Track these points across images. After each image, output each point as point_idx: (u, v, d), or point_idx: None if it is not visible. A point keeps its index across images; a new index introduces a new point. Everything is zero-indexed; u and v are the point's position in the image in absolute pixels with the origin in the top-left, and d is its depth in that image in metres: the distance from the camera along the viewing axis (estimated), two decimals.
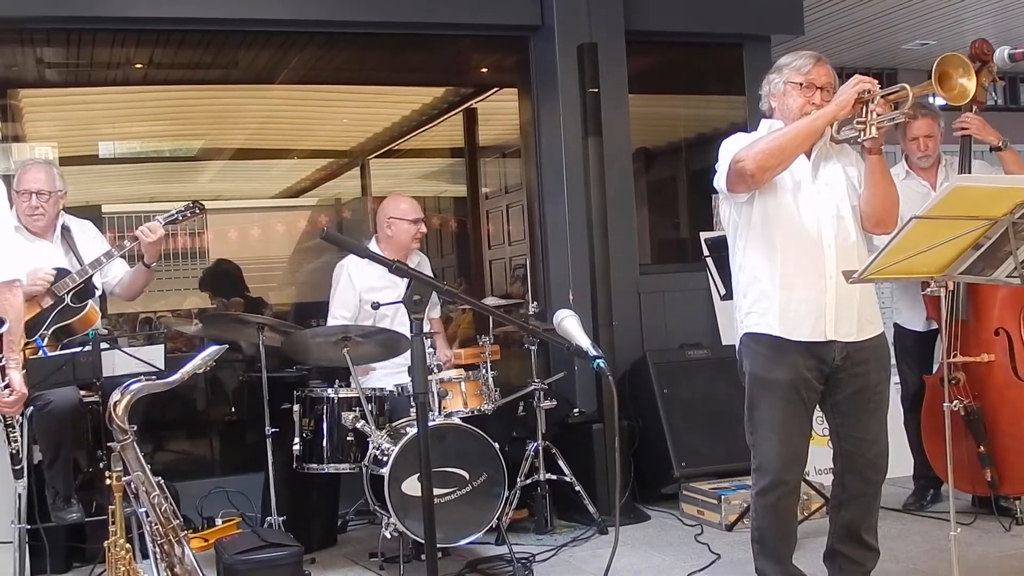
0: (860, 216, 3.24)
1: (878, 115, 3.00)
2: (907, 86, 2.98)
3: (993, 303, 4.32)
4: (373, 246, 4.73)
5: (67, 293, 4.07)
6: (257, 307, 6.46)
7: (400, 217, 4.70)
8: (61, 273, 4.12)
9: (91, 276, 4.16)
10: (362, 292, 4.60)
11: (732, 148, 3.21)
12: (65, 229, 4.31)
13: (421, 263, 4.85)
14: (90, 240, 4.38)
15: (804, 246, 3.17)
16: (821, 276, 3.16)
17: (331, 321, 4.66)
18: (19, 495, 3.72)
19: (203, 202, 4.50)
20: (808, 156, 3.23)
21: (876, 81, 3.06)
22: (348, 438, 4.24)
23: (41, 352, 3.86)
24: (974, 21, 6.97)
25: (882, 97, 3.00)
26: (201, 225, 4.62)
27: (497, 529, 4.23)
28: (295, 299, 7.48)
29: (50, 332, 4.04)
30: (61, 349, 3.99)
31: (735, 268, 3.37)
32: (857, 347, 3.21)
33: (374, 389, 4.34)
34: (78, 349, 3.86)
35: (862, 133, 3.03)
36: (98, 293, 4.30)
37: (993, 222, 2.67)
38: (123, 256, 4.30)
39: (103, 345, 3.86)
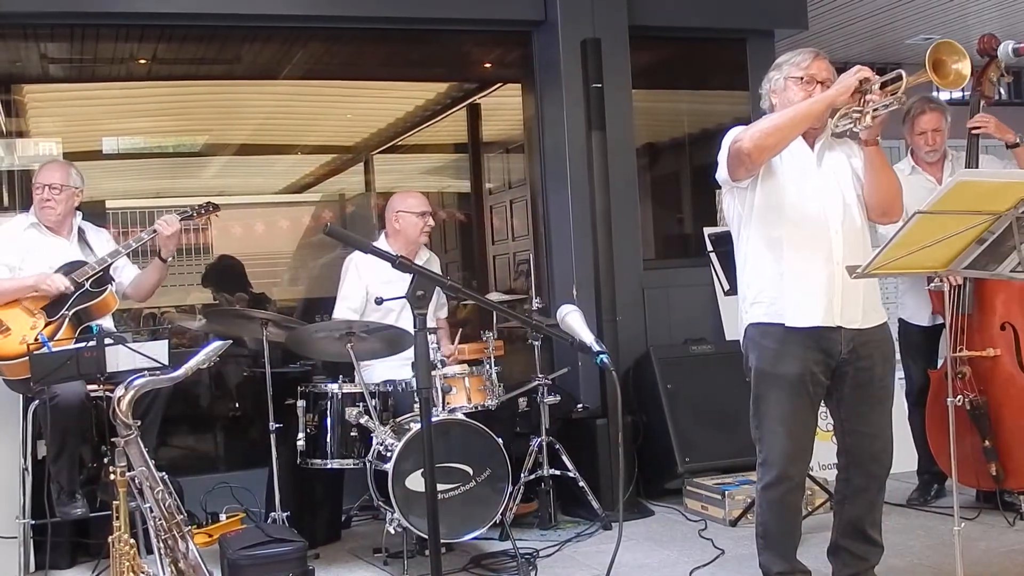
0: (866, 208, 3.25)
1: (874, 104, 3.00)
2: (903, 72, 2.97)
3: (999, 298, 4.32)
4: (382, 242, 4.76)
5: (86, 280, 4.20)
6: (260, 303, 6.45)
7: (407, 211, 4.72)
8: (76, 264, 4.24)
9: (110, 264, 4.28)
10: (369, 285, 4.59)
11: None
12: (81, 231, 4.45)
13: (430, 260, 4.85)
14: (104, 243, 4.49)
15: (810, 233, 3.17)
16: (829, 262, 3.15)
17: (337, 314, 4.67)
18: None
19: (214, 201, 4.62)
20: (812, 147, 3.24)
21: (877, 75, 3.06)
22: (352, 433, 4.24)
23: (45, 347, 3.87)
24: (978, 16, 6.95)
25: (880, 87, 3.01)
26: (205, 220, 4.67)
27: (501, 524, 4.24)
28: (303, 295, 7.48)
29: (71, 313, 4.15)
30: (78, 336, 4.09)
31: (740, 259, 3.36)
32: (863, 339, 3.20)
33: (378, 384, 4.35)
34: (82, 344, 3.88)
35: (857, 123, 3.03)
36: (113, 286, 4.36)
37: (997, 217, 2.67)
38: (138, 250, 4.42)
39: (107, 340, 3.87)
